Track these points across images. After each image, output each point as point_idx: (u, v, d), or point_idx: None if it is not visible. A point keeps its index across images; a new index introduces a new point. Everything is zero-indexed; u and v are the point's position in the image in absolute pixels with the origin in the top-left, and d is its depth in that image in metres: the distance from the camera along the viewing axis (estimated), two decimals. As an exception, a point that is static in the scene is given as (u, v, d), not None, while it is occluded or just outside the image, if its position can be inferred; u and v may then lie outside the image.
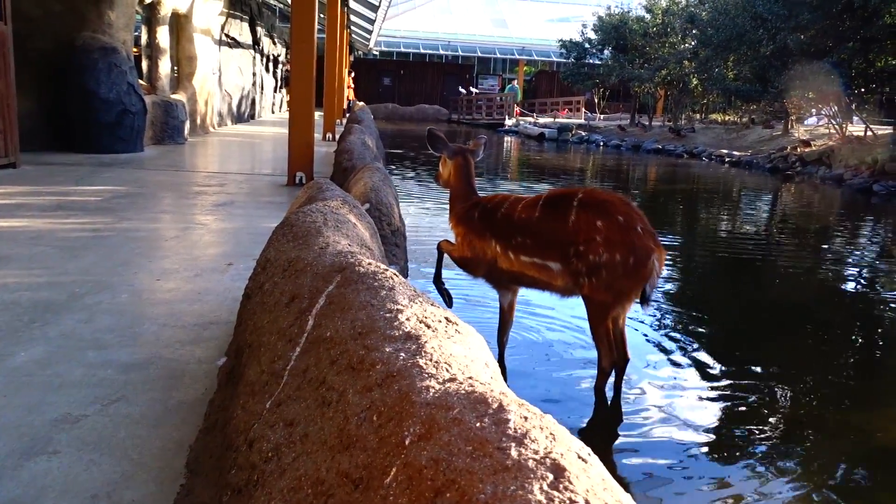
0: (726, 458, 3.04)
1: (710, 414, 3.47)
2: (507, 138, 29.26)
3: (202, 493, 1.86)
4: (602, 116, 35.69)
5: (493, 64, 46.54)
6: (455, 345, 1.44)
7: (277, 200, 6.85)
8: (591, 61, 32.48)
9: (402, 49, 44.34)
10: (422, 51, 44.54)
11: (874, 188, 13.77)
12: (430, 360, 1.32)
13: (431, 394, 1.17)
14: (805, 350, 4.66)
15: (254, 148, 13.16)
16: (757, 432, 3.31)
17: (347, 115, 20.60)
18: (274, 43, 24.24)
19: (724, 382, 3.90)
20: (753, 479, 2.87)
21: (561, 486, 0.91)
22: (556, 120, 32.99)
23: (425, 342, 1.40)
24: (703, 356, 4.31)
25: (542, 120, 33.47)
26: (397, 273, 1.86)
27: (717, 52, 21.20)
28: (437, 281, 3.90)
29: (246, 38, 19.27)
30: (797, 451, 3.17)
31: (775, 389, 3.84)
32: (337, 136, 13.02)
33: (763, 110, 22.58)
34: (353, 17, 24.72)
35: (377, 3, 20.57)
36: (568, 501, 0.88)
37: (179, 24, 13.30)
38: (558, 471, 0.93)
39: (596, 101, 36.69)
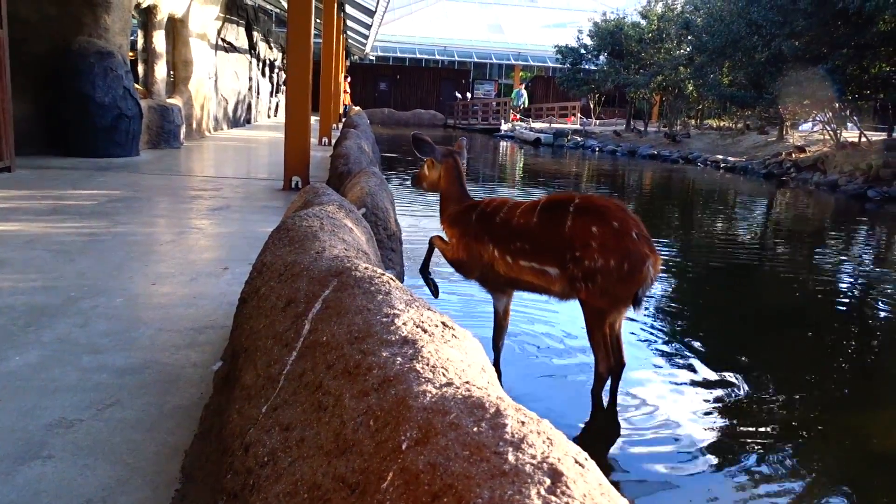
0: (723, 462, 3.04)
1: (707, 418, 3.47)
2: (502, 143, 29.29)
3: (197, 497, 1.86)
4: (598, 122, 35.76)
5: (489, 69, 46.63)
6: (452, 349, 1.44)
7: (273, 205, 6.85)
8: (586, 67, 32.56)
9: (399, 54, 44.40)
10: (418, 56, 44.60)
11: (868, 194, 13.82)
12: (427, 364, 1.32)
13: (428, 398, 1.17)
14: (801, 355, 4.67)
15: (250, 152, 13.15)
16: (753, 436, 3.31)
17: (343, 119, 20.61)
18: (270, 48, 24.26)
19: (721, 387, 3.90)
20: (750, 483, 2.88)
21: (558, 490, 0.90)
22: (552, 125, 33.05)
23: (422, 347, 1.40)
24: (700, 361, 4.31)
25: (537, 125, 33.52)
26: (394, 277, 1.86)
27: (713, 58, 21.28)
28: (424, 271, 3.94)
29: (242, 42, 19.28)
30: (794, 454, 3.17)
31: (771, 394, 3.84)
32: (333, 141, 13.03)
33: (758, 116, 22.66)
34: (349, 22, 24.73)
35: (373, 9, 20.59)
36: (565, 506, 0.88)
37: (176, 28, 13.30)
38: (555, 475, 0.93)
39: (591, 106, 36.76)
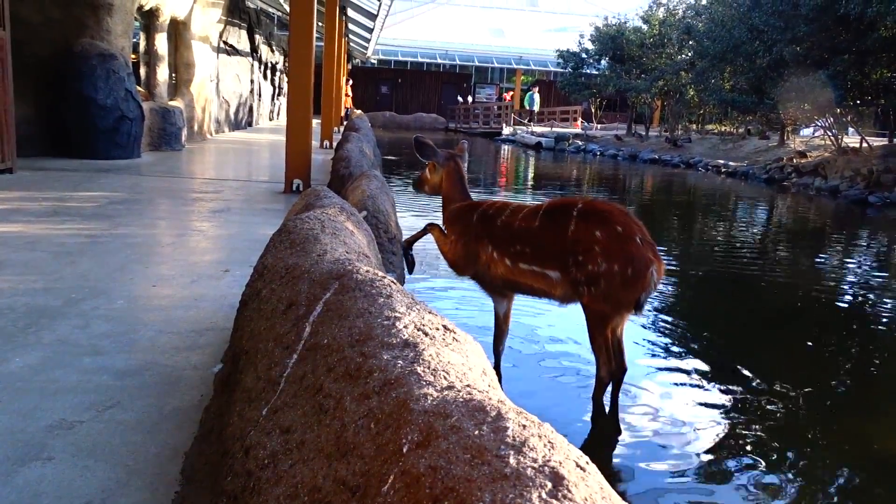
0: (723, 466, 3.04)
1: (708, 423, 3.47)
2: (504, 147, 29.30)
3: (197, 500, 1.85)
4: (599, 126, 35.79)
5: (490, 73, 46.69)
6: (453, 353, 1.44)
7: (274, 207, 6.85)
8: (588, 71, 32.59)
9: (400, 57, 44.46)
10: (419, 59, 44.67)
11: (869, 199, 13.82)
12: (428, 367, 1.31)
13: (429, 401, 1.17)
14: (802, 359, 4.67)
15: (251, 155, 13.16)
16: (754, 441, 3.31)
17: (345, 122, 20.63)
18: (272, 51, 24.29)
19: (722, 392, 3.90)
20: (751, 487, 2.87)
21: (560, 494, 0.90)
22: (553, 129, 33.07)
23: (423, 350, 1.40)
24: (700, 365, 4.31)
25: (538, 129, 33.55)
26: (395, 280, 1.86)
27: (714, 64, 21.30)
28: (407, 247, 3.98)
29: (244, 45, 19.31)
30: (794, 459, 3.17)
31: (773, 398, 3.84)
32: (334, 144, 13.04)
33: (759, 121, 22.68)
34: (351, 26, 24.78)
35: (375, 12, 20.63)
36: (566, 510, 0.88)
37: (178, 31, 13.32)
38: (557, 479, 0.93)
39: (593, 110, 36.79)
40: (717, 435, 3.36)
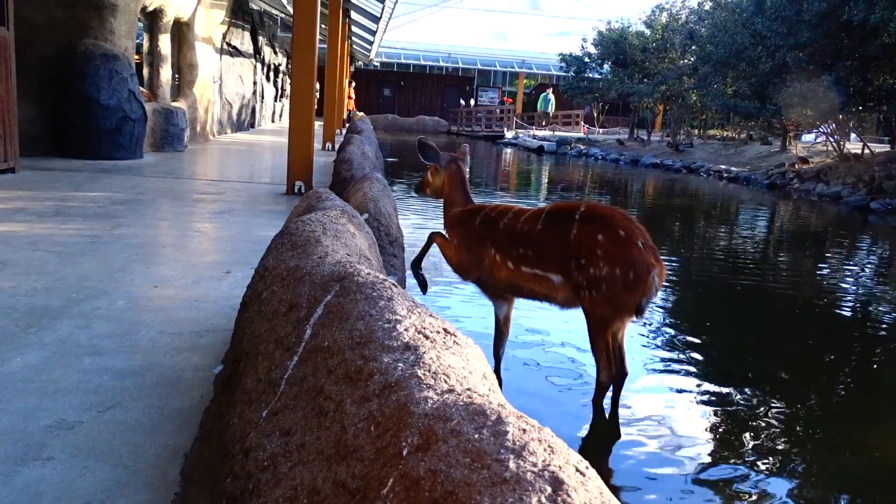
0: (723, 473, 3.03)
1: (708, 428, 3.47)
2: (506, 151, 29.31)
3: (197, 501, 1.85)
4: (601, 130, 35.78)
5: (493, 76, 46.73)
6: (453, 356, 1.44)
7: (276, 209, 6.86)
8: (590, 75, 32.59)
9: (403, 60, 44.52)
10: (422, 62, 44.72)
11: (871, 206, 13.81)
12: (429, 370, 1.31)
13: (430, 405, 1.17)
14: (802, 366, 4.66)
15: (253, 156, 13.18)
16: (754, 447, 3.30)
17: (347, 125, 20.65)
18: (275, 52, 24.32)
19: (722, 397, 3.90)
20: (750, 493, 2.87)
21: (559, 498, 0.90)
22: (555, 133, 33.08)
23: (424, 353, 1.40)
24: (701, 371, 4.31)
25: (541, 133, 33.55)
26: (396, 283, 1.86)
27: (717, 69, 21.31)
28: (416, 266, 3.91)
29: (247, 47, 19.34)
30: (794, 466, 3.16)
31: (773, 405, 3.83)
32: (336, 146, 13.05)
33: (761, 127, 22.68)
34: (354, 28, 24.81)
35: (378, 15, 20.66)
36: (566, 515, 0.88)
37: (181, 32, 13.35)
38: (557, 483, 0.93)
39: (595, 114, 36.79)
40: (718, 440, 3.36)
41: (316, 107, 8.70)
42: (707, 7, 26.56)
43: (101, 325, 3.21)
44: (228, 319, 3.20)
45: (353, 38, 28.17)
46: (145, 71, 12.20)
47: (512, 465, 0.96)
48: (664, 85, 26.81)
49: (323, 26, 16.39)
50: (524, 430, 1.05)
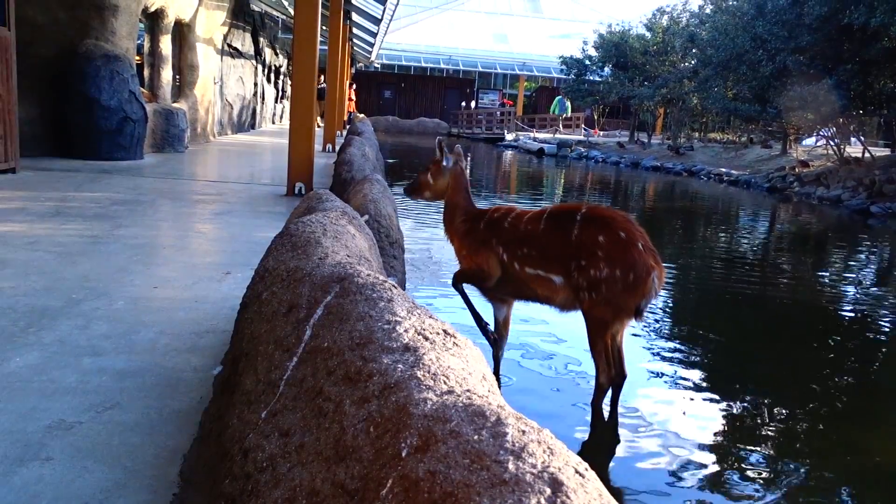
0: (722, 474, 3.03)
1: (707, 431, 3.46)
2: (506, 153, 29.32)
3: (195, 502, 1.85)
4: (601, 133, 35.78)
5: (493, 79, 46.76)
6: (453, 357, 1.43)
7: (276, 210, 6.86)
8: (591, 78, 32.60)
9: (404, 62, 44.55)
10: (423, 64, 44.75)
11: (871, 209, 13.81)
12: (428, 372, 1.31)
13: (429, 406, 1.16)
14: (802, 370, 4.66)
15: (254, 157, 13.18)
16: (753, 449, 3.30)
17: (348, 126, 20.66)
18: (276, 54, 24.34)
19: (721, 400, 3.89)
20: (749, 496, 2.86)
21: (559, 500, 0.90)
22: (556, 135, 33.09)
23: (423, 354, 1.40)
24: (700, 374, 4.31)
25: (541, 135, 33.56)
26: (396, 284, 1.86)
27: (717, 72, 21.32)
28: (481, 324, 3.68)
29: (248, 48, 19.35)
30: (794, 469, 3.16)
31: (772, 407, 3.83)
32: (337, 148, 13.05)
33: (762, 130, 22.69)
34: (355, 30, 24.82)
35: (379, 17, 20.66)
36: (565, 516, 0.88)
37: (182, 33, 13.35)
38: (556, 485, 0.93)
39: (595, 117, 36.78)
40: (717, 443, 3.35)
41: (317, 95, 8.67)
42: (708, 10, 26.61)
43: (101, 326, 3.20)
44: (228, 320, 3.20)
45: (354, 40, 28.18)
46: (146, 72, 12.20)
47: (511, 466, 0.96)
48: (665, 88, 26.83)
49: (324, 28, 16.40)
50: (523, 432, 1.05)
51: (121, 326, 3.23)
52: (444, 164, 3.74)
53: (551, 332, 4.69)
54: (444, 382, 1.28)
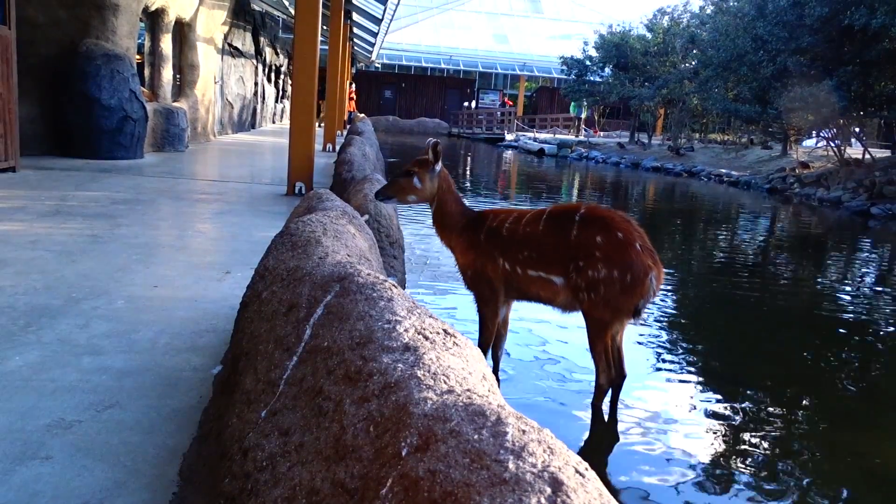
0: (721, 475, 3.03)
1: (707, 432, 3.46)
2: (507, 153, 29.32)
3: (195, 501, 1.85)
4: (601, 133, 35.79)
5: (494, 79, 46.78)
6: (453, 357, 1.43)
7: (276, 210, 6.85)
8: (591, 78, 32.59)
9: (404, 62, 44.56)
10: (423, 64, 44.76)
11: (872, 211, 13.81)
12: (429, 371, 1.31)
13: (429, 405, 1.16)
14: (800, 372, 4.66)
15: (254, 157, 13.18)
16: (752, 451, 3.30)
17: (348, 126, 20.66)
18: (276, 53, 24.35)
19: (721, 401, 3.89)
20: (748, 497, 2.86)
21: (559, 499, 0.90)
22: (556, 136, 33.09)
23: (423, 353, 1.40)
24: (699, 375, 4.30)
25: (541, 136, 33.55)
26: (396, 284, 1.86)
27: (718, 73, 21.32)
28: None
29: (248, 47, 19.36)
30: (792, 471, 3.16)
31: (771, 409, 3.83)
32: (337, 148, 13.05)
33: (762, 131, 22.69)
34: (355, 30, 24.83)
35: (380, 17, 20.67)
36: (565, 516, 0.88)
37: (183, 32, 13.36)
38: (556, 485, 0.93)
39: (596, 118, 36.78)
40: (715, 445, 3.35)
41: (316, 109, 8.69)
42: (709, 11, 26.62)
43: (101, 325, 3.20)
44: (228, 320, 3.20)
45: (355, 40, 28.19)
46: (147, 71, 12.21)
47: (511, 465, 0.96)
48: (665, 89, 26.83)
49: (324, 28, 16.40)
50: (524, 431, 1.05)
51: (120, 325, 3.22)
52: (436, 167, 3.53)
53: (551, 331, 4.69)
54: (445, 382, 1.28)
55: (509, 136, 34.25)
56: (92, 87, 9.46)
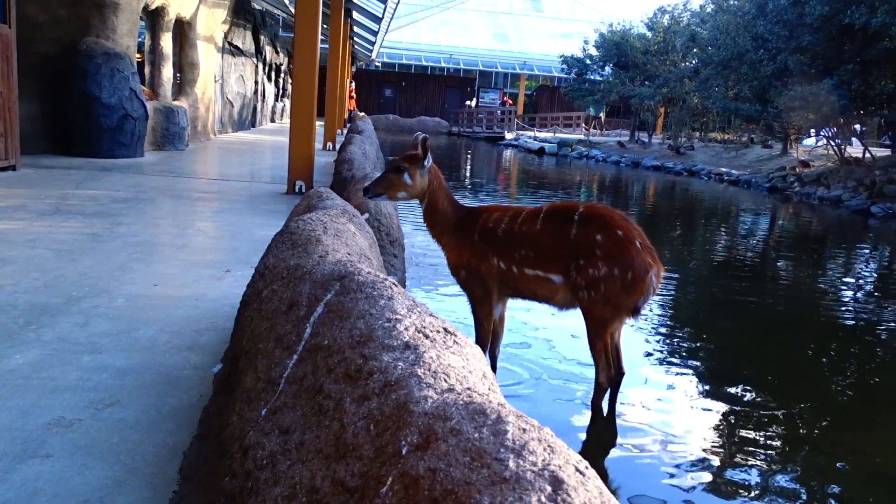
0: (721, 474, 3.03)
1: (707, 431, 3.46)
2: (507, 152, 29.30)
3: (195, 499, 1.85)
4: (602, 132, 35.78)
5: (494, 78, 46.77)
6: (453, 355, 1.43)
7: (276, 208, 6.85)
8: (592, 77, 32.60)
9: (405, 61, 44.55)
10: (424, 63, 44.75)
11: (872, 210, 13.81)
12: (429, 370, 1.31)
13: (429, 404, 1.16)
14: (801, 371, 4.66)
15: (254, 156, 13.17)
16: (752, 450, 3.30)
17: (348, 125, 20.66)
18: (276, 52, 24.34)
19: (721, 400, 3.89)
20: (748, 496, 2.86)
21: (559, 498, 0.90)
22: (556, 135, 33.08)
23: (424, 352, 1.40)
24: (700, 374, 4.30)
25: (542, 134, 33.55)
26: (396, 283, 1.86)
27: (718, 71, 21.33)
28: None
29: (249, 46, 19.35)
30: (793, 470, 3.16)
31: (771, 409, 3.83)
32: (337, 146, 13.05)
33: (762, 130, 22.68)
34: (356, 29, 24.80)
35: (380, 15, 20.66)
36: (565, 514, 0.88)
37: (183, 30, 13.35)
38: (556, 483, 0.93)
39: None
40: (715, 443, 3.35)
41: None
42: (709, 10, 26.61)
43: (101, 323, 3.20)
44: (228, 318, 3.20)
45: (355, 39, 28.17)
46: (147, 69, 12.20)
47: (512, 464, 0.96)
48: (665, 87, 26.84)
49: (324, 26, 16.38)
50: (524, 430, 1.05)
51: (121, 324, 3.22)
52: (425, 163, 3.52)
53: (549, 329, 4.69)
54: (445, 380, 1.27)
55: (509, 135, 34.26)
56: (92, 85, 9.46)
